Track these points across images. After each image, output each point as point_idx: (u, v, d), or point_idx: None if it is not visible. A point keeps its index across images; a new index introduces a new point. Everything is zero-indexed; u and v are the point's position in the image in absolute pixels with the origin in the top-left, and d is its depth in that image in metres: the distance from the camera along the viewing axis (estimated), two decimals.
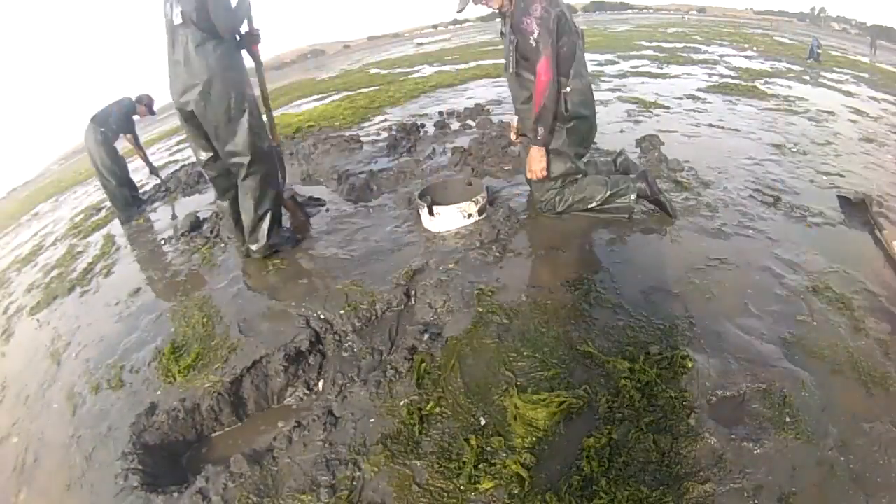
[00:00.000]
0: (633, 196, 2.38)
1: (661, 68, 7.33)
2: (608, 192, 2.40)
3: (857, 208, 2.53)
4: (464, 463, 1.36)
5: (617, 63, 8.00)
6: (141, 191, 4.96)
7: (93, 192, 6.34)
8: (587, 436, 1.37)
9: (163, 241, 3.40)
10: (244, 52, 2.38)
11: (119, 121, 4.40)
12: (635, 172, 2.57)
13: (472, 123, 4.70)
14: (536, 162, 2.35)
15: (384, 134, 4.83)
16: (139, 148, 4.83)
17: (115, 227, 4.18)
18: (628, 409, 1.43)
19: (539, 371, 1.61)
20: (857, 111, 5.01)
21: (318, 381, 1.89)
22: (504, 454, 1.37)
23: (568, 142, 2.39)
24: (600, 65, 7.83)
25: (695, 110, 4.67)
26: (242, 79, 2.31)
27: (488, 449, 1.39)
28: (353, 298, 2.16)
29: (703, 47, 10.18)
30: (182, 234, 3.27)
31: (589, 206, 2.44)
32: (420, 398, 1.59)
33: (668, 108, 4.77)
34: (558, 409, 1.44)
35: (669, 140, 3.67)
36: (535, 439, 1.39)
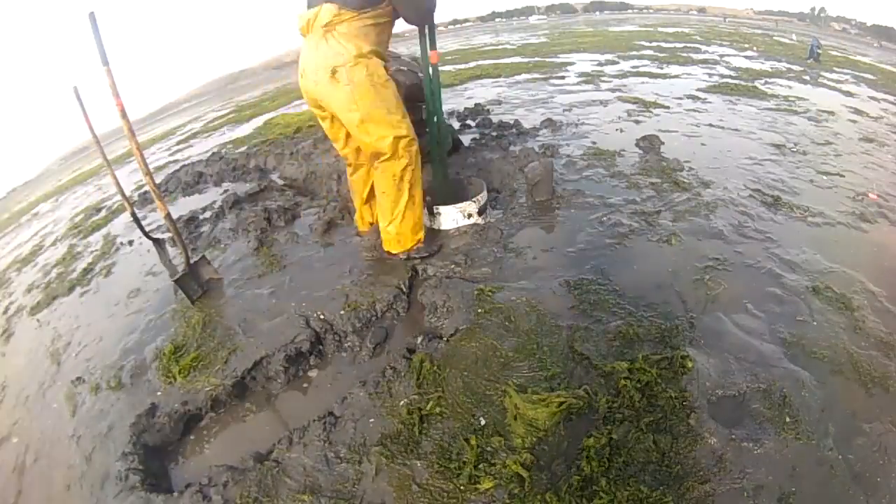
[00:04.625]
0: None
1: (661, 68, 7.33)
2: None
3: None
4: (464, 463, 1.36)
5: (617, 63, 8.00)
6: (141, 190, 4.96)
7: (92, 193, 6.33)
8: (587, 436, 1.37)
9: (163, 241, 3.40)
10: None
11: None
12: None
13: (472, 123, 4.69)
14: None
15: None
16: None
17: (115, 227, 4.17)
18: (628, 409, 1.43)
19: (539, 371, 1.61)
20: (857, 111, 5.01)
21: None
22: (504, 454, 1.37)
23: None
24: (600, 65, 7.83)
25: (695, 110, 4.67)
26: None
27: (488, 449, 1.39)
28: (354, 298, 2.16)
29: (703, 47, 10.17)
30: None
31: None
32: (420, 398, 1.59)
33: (668, 108, 4.77)
34: (558, 409, 1.44)
35: (669, 140, 3.67)
36: (535, 439, 1.39)
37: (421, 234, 2.39)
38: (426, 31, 2.27)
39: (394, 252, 2.37)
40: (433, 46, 2.35)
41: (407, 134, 2.11)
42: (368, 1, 1.91)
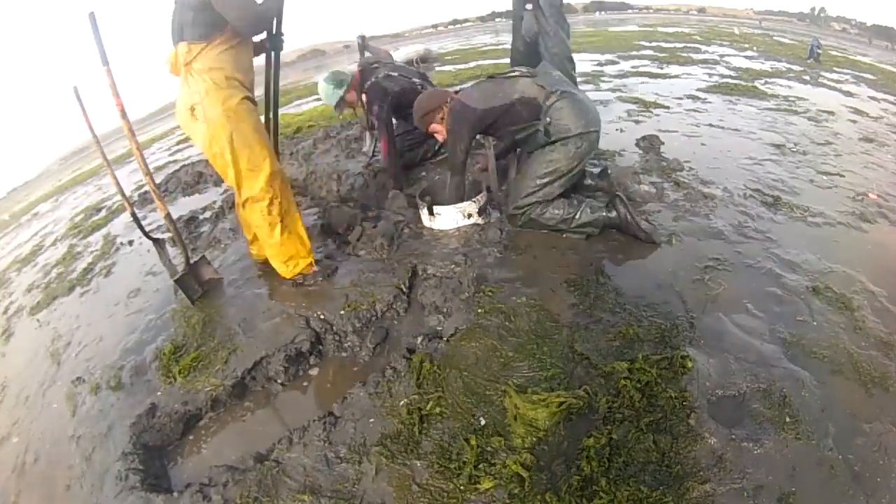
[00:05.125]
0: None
1: (661, 68, 7.32)
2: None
3: None
4: (464, 463, 1.36)
5: (617, 63, 7.99)
6: (141, 190, 4.96)
7: (92, 193, 6.33)
8: (587, 436, 1.37)
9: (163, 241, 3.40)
10: None
11: None
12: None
13: None
14: None
15: None
16: None
17: (115, 226, 4.18)
18: (628, 409, 1.43)
19: (539, 371, 1.61)
20: (857, 111, 5.01)
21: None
22: (504, 454, 1.37)
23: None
24: (600, 64, 7.83)
25: (695, 110, 4.67)
26: None
27: (488, 449, 1.39)
28: (353, 298, 2.16)
29: (703, 47, 10.17)
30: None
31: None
32: (420, 398, 1.59)
33: (668, 108, 4.77)
34: (558, 409, 1.44)
35: (669, 140, 3.67)
36: (535, 439, 1.39)
37: (309, 259, 2.33)
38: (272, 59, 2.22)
39: (287, 278, 2.34)
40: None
41: (267, 169, 2.06)
42: (212, 28, 1.87)
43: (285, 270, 2.32)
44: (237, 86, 1.97)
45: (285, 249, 2.25)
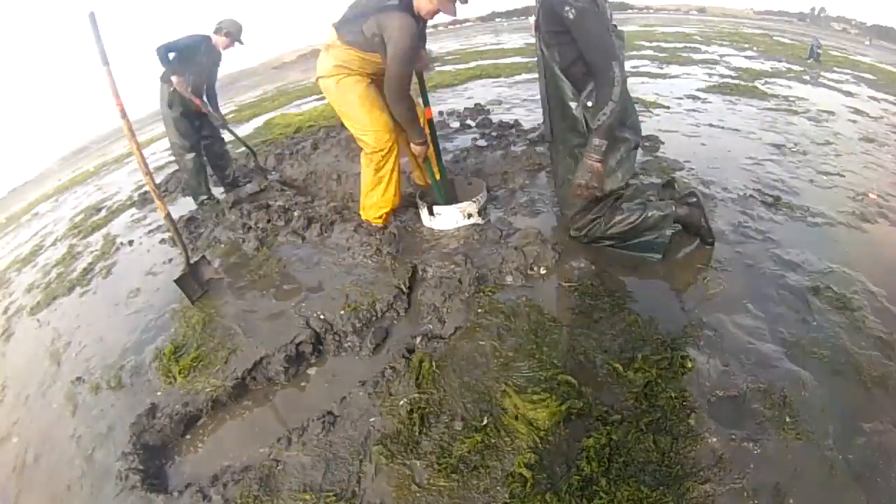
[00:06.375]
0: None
1: (661, 68, 7.32)
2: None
3: None
4: (464, 462, 1.36)
5: None
6: (141, 190, 4.95)
7: (93, 192, 6.33)
8: (587, 436, 1.37)
9: (162, 241, 3.40)
10: None
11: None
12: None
13: (472, 123, 4.69)
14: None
15: None
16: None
17: (115, 227, 4.17)
18: (628, 409, 1.43)
19: (539, 371, 1.61)
20: (857, 111, 5.00)
21: None
22: (505, 454, 1.37)
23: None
24: None
25: (695, 110, 4.67)
26: None
27: (489, 448, 1.39)
28: (354, 298, 2.16)
29: (703, 47, 10.17)
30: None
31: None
32: (419, 397, 1.59)
33: (668, 108, 4.77)
34: (558, 409, 1.44)
35: (669, 140, 3.66)
36: (535, 439, 1.39)
37: (382, 213, 2.69)
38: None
39: (362, 218, 2.76)
40: (426, 103, 2.63)
41: (372, 129, 2.44)
42: (358, 44, 2.28)
43: (362, 211, 2.74)
44: (356, 73, 2.40)
45: (371, 196, 2.64)
